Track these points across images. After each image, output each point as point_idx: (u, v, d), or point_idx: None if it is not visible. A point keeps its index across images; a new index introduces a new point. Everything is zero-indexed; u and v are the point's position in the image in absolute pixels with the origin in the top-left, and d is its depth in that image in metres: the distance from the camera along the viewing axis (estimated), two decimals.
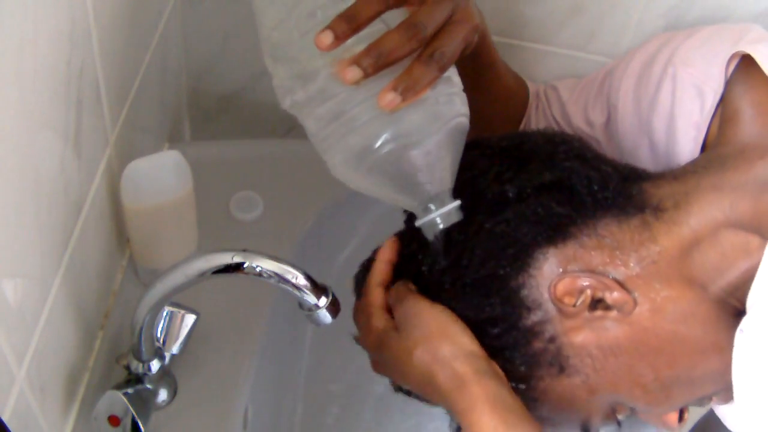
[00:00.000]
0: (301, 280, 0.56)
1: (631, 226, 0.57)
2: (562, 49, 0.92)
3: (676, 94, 0.67)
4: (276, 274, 0.56)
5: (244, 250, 0.55)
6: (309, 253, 0.85)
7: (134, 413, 0.61)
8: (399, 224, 0.66)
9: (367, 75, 0.51)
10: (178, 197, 0.72)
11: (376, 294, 0.63)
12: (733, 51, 0.63)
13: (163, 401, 0.69)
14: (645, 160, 0.70)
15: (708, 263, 0.55)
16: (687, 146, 0.66)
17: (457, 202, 0.56)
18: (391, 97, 0.51)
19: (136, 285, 0.77)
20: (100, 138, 0.66)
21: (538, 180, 0.58)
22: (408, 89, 0.51)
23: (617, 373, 0.57)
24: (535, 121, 0.82)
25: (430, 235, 0.57)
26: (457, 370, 0.56)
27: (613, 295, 0.55)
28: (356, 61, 0.51)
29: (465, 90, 0.57)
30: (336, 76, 0.52)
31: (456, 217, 0.56)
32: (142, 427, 0.62)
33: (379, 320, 0.62)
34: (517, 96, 0.81)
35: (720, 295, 0.55)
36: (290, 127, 1.09)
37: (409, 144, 0.53)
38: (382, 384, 0.69)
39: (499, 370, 0.57)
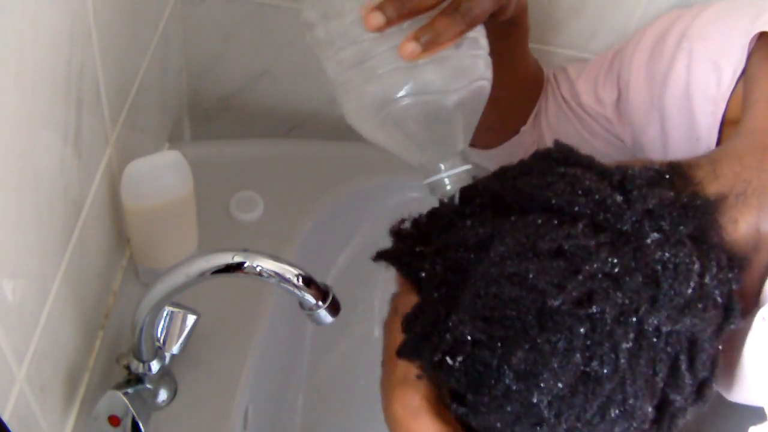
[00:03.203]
0: (302, 280, 0.56)
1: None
2: (562, 49, 0.91)
3: (691, 68, 0.65)
4: (276, 273, 0.56)
5: (245, 250, 0.55)
6: (309, 253, 0.85)
7: (134, 413, 0.61)
8: None
9: (389, 22, 0.51)
10: (178, 197, 0.72)
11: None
12: (754, 29, 0.61)
13: (163, 401, 0.69)
14: (654, 136, 0.69)
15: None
16: (704, 121, 0.64)
17: (468, 166, 0.55)
18: (411, 48, 0.50)
19: (136, 285, 0.77)
20: (100, 138, 0.66)
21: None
22: (430, 42, 0.51)
23: None
24: (545, 104, 0.81)
25: (436, 195, 0.56)
26: None
27: None
28: (380, 7, 0.51)
29: (494, 69, 0.57)
30: (361, 21, 0.52)
31: (466, 180, 0.55)
32: (142, 427, 0.62)
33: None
34: (536, 79, 0.80)
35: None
36: (290, 127, 1.09)
37: (427, 101, 0.53)
38: None
39: None
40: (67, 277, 0.60)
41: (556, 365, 0.48)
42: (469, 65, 0.54)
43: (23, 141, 0.50)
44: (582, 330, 0.48)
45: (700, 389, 0.51)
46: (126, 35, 0.70)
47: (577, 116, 0.77)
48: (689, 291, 0.49)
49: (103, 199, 0.69)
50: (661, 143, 0.69)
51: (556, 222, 0.51)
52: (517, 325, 0.49)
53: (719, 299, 0.50)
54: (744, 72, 0.62)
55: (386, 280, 0.66)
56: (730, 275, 0.50)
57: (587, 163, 0.55)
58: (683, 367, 0.50)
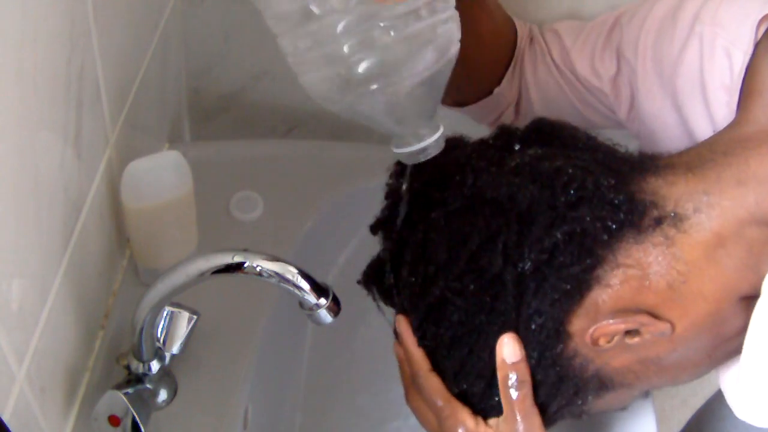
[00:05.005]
0: (302, 280, 0.56)
1: (654, 245, 0.54)
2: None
3: (704, 54, 0.62)
4: (276, 273, 0.56)
5: (245, 250, 0.55)
6: (309, 253, 0.85)
7: (134, 413, 0.61)
8: None
9: None
10: (178, 197, 0.72)
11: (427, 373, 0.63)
12: (762, 12, 0.60)
13: (163, 401, 0.69)
14: (671, 124, 0.67)
15: (737, 264, 0.54)
16: (720, 112, 0.62)
17: (440, 132, 0.54)
18: None
19: (136, 285, 0.77)
20: (100, 138, 0.66)
21: (549, 245, 0.53)
22: None
23: (658, 374, 0.57)
24: (532, 65, 0.77)
25: (407, 162, 0.56)
26: None
27: (650, 329, 0.53)
28: None
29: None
30: None
31: (436, 149, 0.54)
32: (142, 427, 0.62)
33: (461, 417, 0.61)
34: (504, 36, 0.76)
35: (750, 292, 0.53)
36: (290, 127, 1.09)
37: (397, 84, 0.50)
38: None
39: None
40: (67, 277, 0.60)
41: None
42: (440, 36, 0.51)
43: (23, 141, 0.50)
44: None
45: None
46: (126, 35, 0.70)
47: (570, 84, 0.75)
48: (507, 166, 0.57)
49: (103, 199, 0.68)
50: (681, 131, 0.67)
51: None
52: None
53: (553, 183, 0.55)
54: (750, 61, 0.60)
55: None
56: (601, 184, 0.54)
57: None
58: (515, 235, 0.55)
